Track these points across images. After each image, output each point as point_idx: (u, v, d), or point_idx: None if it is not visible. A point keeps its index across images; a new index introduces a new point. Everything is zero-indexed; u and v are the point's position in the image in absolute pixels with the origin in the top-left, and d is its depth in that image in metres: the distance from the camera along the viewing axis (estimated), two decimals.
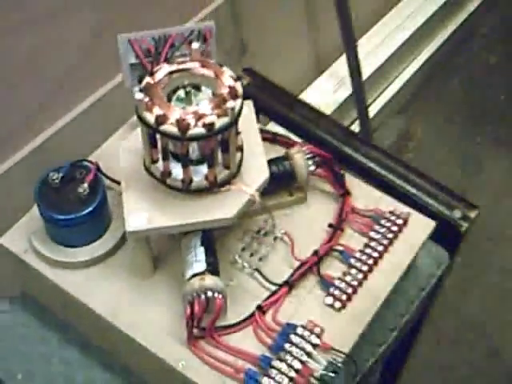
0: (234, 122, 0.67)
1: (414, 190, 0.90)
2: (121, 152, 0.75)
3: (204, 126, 0.65)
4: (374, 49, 1.66)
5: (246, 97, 0.72)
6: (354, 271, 0.77)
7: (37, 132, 1.05)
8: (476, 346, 1.41)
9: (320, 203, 0.83)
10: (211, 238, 0.74)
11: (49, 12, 0.96)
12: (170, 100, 0.69)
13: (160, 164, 0.71)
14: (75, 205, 0.75)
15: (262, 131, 0.85)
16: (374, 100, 1.69)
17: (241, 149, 0.73)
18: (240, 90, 0.67)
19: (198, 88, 0.70)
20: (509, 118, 1.80)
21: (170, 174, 0.71)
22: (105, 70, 1.09)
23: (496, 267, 1.52)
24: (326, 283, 0.76)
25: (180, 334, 0.72)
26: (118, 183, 0.77)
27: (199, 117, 0.65)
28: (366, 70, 1.57)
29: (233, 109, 0.65)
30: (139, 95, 0.66)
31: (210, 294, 0.69)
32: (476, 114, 1.82)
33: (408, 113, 1.80)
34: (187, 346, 0.71)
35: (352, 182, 0.85)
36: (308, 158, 0.81)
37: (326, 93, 1.54)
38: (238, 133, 0.71)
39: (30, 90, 0.99)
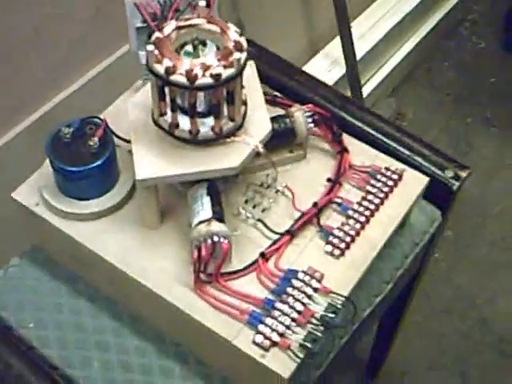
0: (240, 73, 0.70)
1: (408, 152, 0.94)
2: (130, 107, 0.79)
3: (211, 76, 0.69)
4: (367, 31, 1.70)
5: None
6: (351, 222, 0.80)
7: (44, 100, 1.08)
8: (466, 315, 1.45)
9: (319, 160, 0.87)
10: (216, 189, 0.78)
11: None
12: (178, 54, 0.72)
13: (168, 116, 0.75)
14: (86, 158, 0.79)
15: (264, 93, 0.89)
16: (367, 81, 1.73)
17: (245, 103, 0.77)
18: (245, 43, 0.71)
19: (204, 43, 0.74)
20: (498, 100, 1.85)
21: (177, 125, 0.75)
22: (109, 41, 1.12)
23: (485, 241, 1.57)
24: (325, 232, 0.80)
25: (187, 279, 0.76)
26: (126, 141, 0.81)
27: (206, 68, 0.69)
28: (359, 52, 1.61)
29: (238, 60, 0.69)
30: (150, 47, 0.69)
31: (216, 238, 0.73)
32: (466, 95, 1.87)
33: (400, 94, 1.85)
34: (194, 290, 0.75)
35: (349, 140, 0.89)
36: (307, 117, 0.84)
37: (321, 72, 1.58)
38: (242, 86, 0.74)
39: (38, 60, 1.03)
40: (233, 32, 0.72)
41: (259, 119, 0.77)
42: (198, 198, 0.77)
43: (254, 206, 0.82)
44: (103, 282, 0.83)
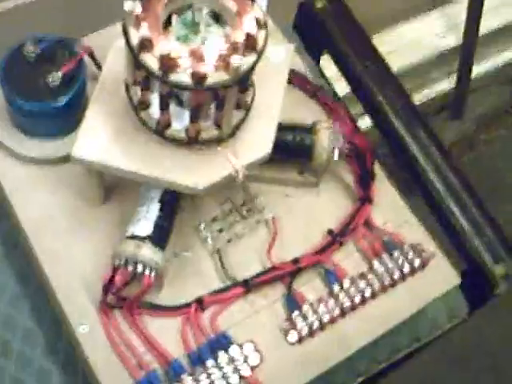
0: (237, 81, 0.49)
1: (462, 218, 0.71)
2: (111, 52, 0.58)
3: (193, 75, 0.47)
4: (502, 3, 1.38)
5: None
6: (331, 302, 0.60)
7: None
8: None
9: (331, 198, 0.66)
10: (176, 195, 0.58)
11: None
12: (169, 22, 0.50)
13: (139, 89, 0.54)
14: (43, 91, 0.60)
15: (304, 80, 0.68)
16: (482, 60, 1.43)
17: (247, 108, 0.55)
18: (261, 42, 0.49)
19: (217, 18, 0.51)
20: None
21: (148, 106, 0.54)
22: None
23: None
24: (292, 303, 0.60)
25: (98, 290, 0.58)
26: None
27: (197, 58, 0.47)
28: (487, 25, 1.31)
29: (237, 68, 0.47)
30: (129, 4, 0.48)
31: (140, 268, 0.55)
32: None
33: None
34: (98, 311, 0.57)
35: (383, 187, 0.67)
36: (335, 140, 0.62)
37: (432, 33, 1.30)
38: (245, 89, 0.53)
39: None
40: (251, 20, 0.49)
41: (260, 134, 0.56)
42: (146, 200, 0.58)
43: (221, 230, 0.62)
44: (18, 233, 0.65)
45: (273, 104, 0.57)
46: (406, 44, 1.31)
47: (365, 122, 0.82)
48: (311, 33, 0.80)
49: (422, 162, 0.74)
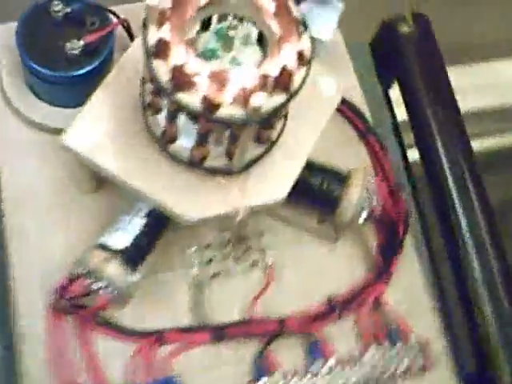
0: (255, 121, 0.40)
1: (491, 316, 0.61)
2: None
3: (204, 99, 0.39)
4: None
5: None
6: (306, 381, 0.52)
7: None
8: None
9: (346, 259, 0.57)
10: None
11: None
12: (205, 27, 0.42)
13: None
14: (55, 57, 0.53)
15: (357, 116, 0.59)
16: None
17: (270, 142, 0.47)
18: (297, 83, 0.40)
19: (260, 39, 0.43)
20: None
21: (157, 111, 0.46)
22: None
23: None
24: (262, 367, 0.52)
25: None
26: None
27: (213, 82, 0.39)
28: None
29: (257, 108, 0.38)
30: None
31: (100, 285, 0.48)
32: None
33: None
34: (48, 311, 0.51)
35: (408, 262, 0.57)
36: (368, 201, 0.54)
37: None
38: (269, 127, 0.45)
39: None
40: (290, 50, 0.40)
41: (279, 175, 0.48)
42: (132, 210, 0.50)
43: (210, 261, 0.54)
44: None
45: (304, 143, 0.49)
46: (501, 82, 1.20)
47: (413, 155, 0.73)
48: (387, 55, 0.72)
49: (463, 228, 0.64)
